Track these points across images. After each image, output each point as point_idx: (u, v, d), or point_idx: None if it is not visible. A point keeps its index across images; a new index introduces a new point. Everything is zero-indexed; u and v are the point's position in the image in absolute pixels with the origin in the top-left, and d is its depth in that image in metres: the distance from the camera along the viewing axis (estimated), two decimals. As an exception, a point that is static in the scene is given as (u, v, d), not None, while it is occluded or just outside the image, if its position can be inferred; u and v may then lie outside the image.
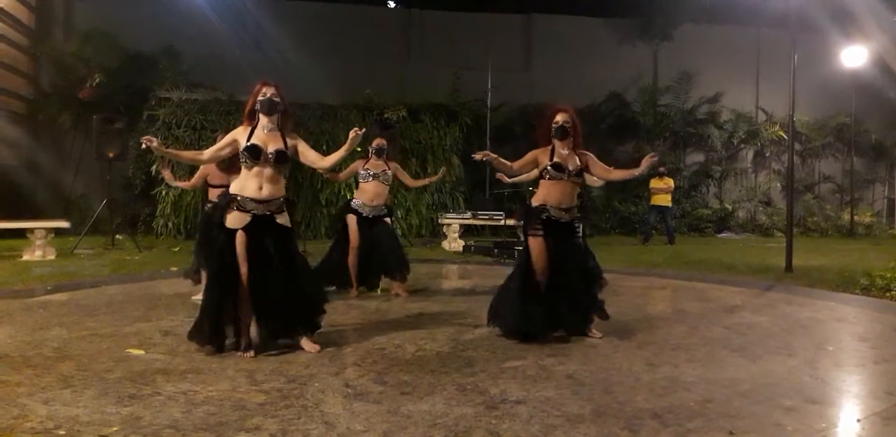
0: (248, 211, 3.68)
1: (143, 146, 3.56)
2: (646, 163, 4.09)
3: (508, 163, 4.25)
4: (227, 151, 3.80)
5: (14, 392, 2.94)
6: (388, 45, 16.29)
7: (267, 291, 3.67)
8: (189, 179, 5.86)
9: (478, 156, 4.02)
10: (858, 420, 2.75)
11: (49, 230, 8.65)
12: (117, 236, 10.47)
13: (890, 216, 17.73)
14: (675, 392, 3.06)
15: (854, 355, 3.90)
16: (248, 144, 3.70)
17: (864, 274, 6.76)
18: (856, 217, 15.74)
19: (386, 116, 12.73)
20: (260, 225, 3.70)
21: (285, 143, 3.77)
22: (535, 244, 4.18)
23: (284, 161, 3.76)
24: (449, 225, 10.92)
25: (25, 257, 8.34)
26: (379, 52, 15.81)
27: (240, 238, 3.66)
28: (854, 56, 14.11)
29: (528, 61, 16.93)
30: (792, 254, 7.76)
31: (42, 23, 14.25)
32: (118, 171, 10.87)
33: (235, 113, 12.28)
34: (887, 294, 6.00)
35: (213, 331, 3.68)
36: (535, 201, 4.29)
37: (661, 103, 16.73)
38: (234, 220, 3.67)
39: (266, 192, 3.69)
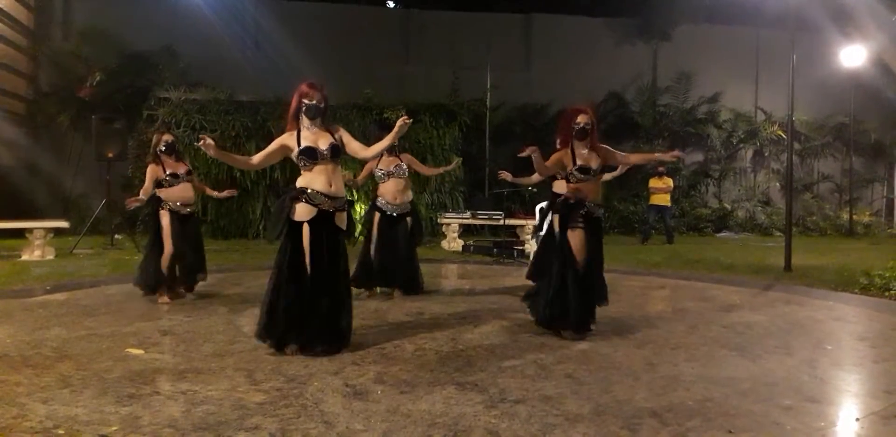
0: (316, 205, 3.74)
1: (199, 144, 3.56)
2: (666, 155, 4.50)
3: (545, 164, 4.34)
4: (276, 156, 3.90)
5: (13, 392, 2.94)
6: (387, 45, 16.27)
7: (311, 290, 3.70)
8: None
9: (527, 152, 4.09)
10: (857, 419, 2.75)
11: (48, 230, 8.65)
12: (116, 236, 10.46)
13: (889, 216, 17.72)
14: (674, 391, 3.06)
15: (853, 355, 3.91)
16: (302, 147, 3.78)
17: (863, 273, 6.77)
18: (855, 217, 15.74)
19: (385, 116, 12.73)
20: (321, 221, 3.76)
21: (333, 136, 3.85)
22: (577, 237, 4.28)
23: (339, 154, 3.86)
24: (448, 225, 10.92)
25: (25, 257, 8.34)
26: (378, 52, 15.79)
27: (305, 231, 3.73)
28: (853, 56, 14.10)
29: (527, 61, 16.91)
30: (791, 253, 7.77)
31: (41, 22, 14.22)
32: (117, 171, 10.85)
33: (235, 113, 12.27)
34: (886, 293, 6.01)
35: (277, 327, 3.68)
36: (571, 198, 4.38)
37: (660, 103, 16.72)
38: (301, 212, 3.74)
39: (335, 187, 3.80)
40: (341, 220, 3.86)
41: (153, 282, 5.46)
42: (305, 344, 3.68)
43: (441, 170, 6.92)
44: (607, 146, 4.51)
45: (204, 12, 14.26)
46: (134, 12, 13.83)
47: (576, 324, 4.21)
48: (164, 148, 5.48)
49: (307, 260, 3.70)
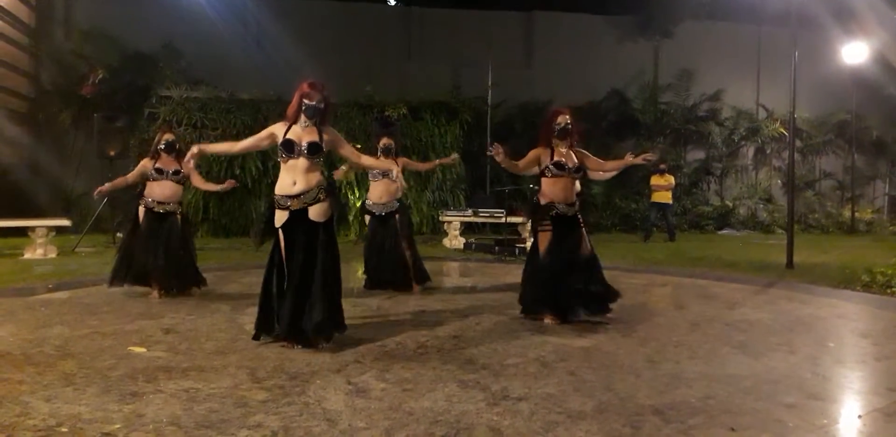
0: (286, 208, 3.83)
1: (189, 159, 3.94)
2: (640, 158, 4.56)
3: (515, 163, 4.60)
4: (264, 143, 4.00)
5: (16, 390, 2.94)
6: (389, 43, 16.26)
7: (294, 289, 3.77)
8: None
9: (496, 152, 4.31)
10: (860, 417, 2.75)
11: (50, 229, 8.67)
12: (118, 234, 10.45)
13: (891, 213, 17.70)
14: (676, 389, 3.06)
15: (855, 352, 3.91)
16: (284, 139, 3.86)
17: (865, 271, 6.75)
18: (857, 214, 15.73)
19: (386, 113, 12.72)
20: (295, 222, 3.83)
21: (320, 136, 3.90)
22: (545, 238, 4.56)
23: (316, 152, 3.88)
24: (450, 223, 10.92)
25: (27, 256, 8.35)
26: (379, 50, 15.78)
27: (281, 236, 3.85)
28: (855, 53, 14.08)
29: (528, 59, 16.90)
30: (793, 251, 7.76)
31: (42, 21, 14.22)
32: (119, 169, 10.84)
33: (236, 111, 12.29)
34: (888, 291, 6.00)
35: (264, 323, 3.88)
36: (542, 199, 4.63)
37: (661, 101, 16.71)
38: (277, 218, 3.87)
39: (299, 185, 3.83)
40: (318, 212, 3.83)
41: (134, 275, 5.60)
42: (289, 336, 3.78)
43: (437, 163, 6.98)
44: (584, 151, 4.72)
45: (205, 10, 14.26)
46: (135, 11, 13.83)
47: (561, 313, 4.50)
48: (163, 146, 5.65)
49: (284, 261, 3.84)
